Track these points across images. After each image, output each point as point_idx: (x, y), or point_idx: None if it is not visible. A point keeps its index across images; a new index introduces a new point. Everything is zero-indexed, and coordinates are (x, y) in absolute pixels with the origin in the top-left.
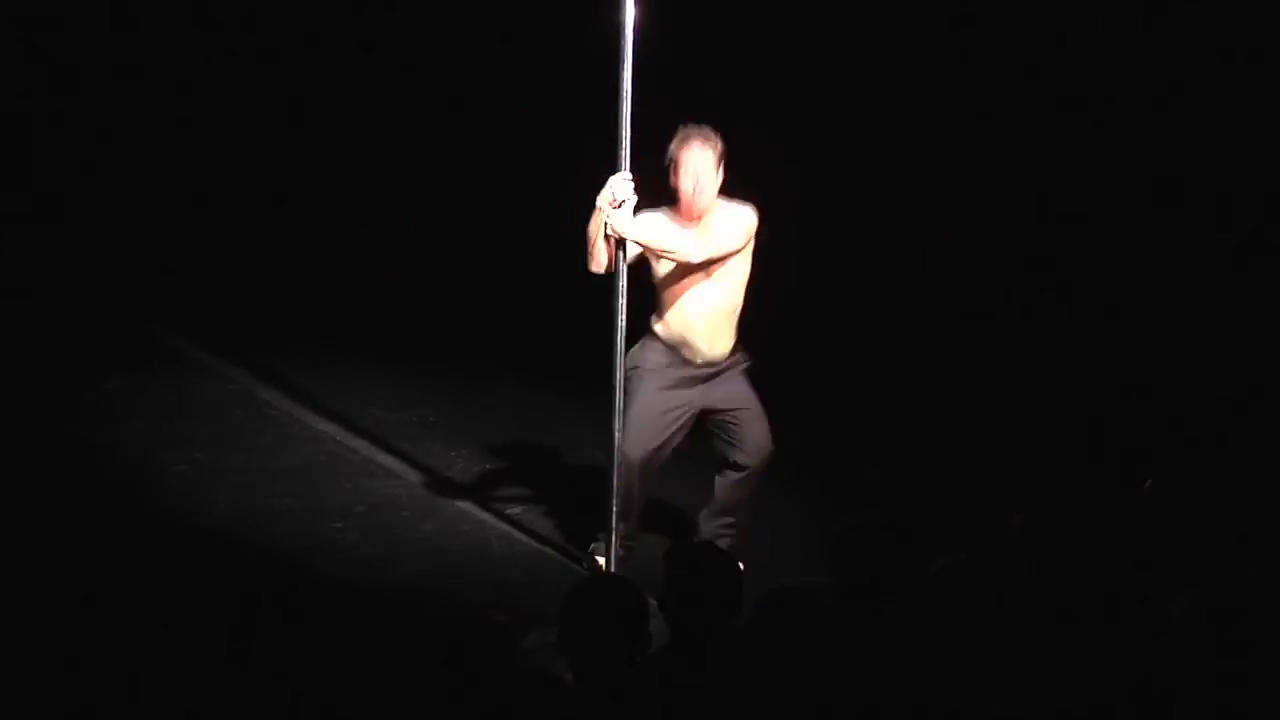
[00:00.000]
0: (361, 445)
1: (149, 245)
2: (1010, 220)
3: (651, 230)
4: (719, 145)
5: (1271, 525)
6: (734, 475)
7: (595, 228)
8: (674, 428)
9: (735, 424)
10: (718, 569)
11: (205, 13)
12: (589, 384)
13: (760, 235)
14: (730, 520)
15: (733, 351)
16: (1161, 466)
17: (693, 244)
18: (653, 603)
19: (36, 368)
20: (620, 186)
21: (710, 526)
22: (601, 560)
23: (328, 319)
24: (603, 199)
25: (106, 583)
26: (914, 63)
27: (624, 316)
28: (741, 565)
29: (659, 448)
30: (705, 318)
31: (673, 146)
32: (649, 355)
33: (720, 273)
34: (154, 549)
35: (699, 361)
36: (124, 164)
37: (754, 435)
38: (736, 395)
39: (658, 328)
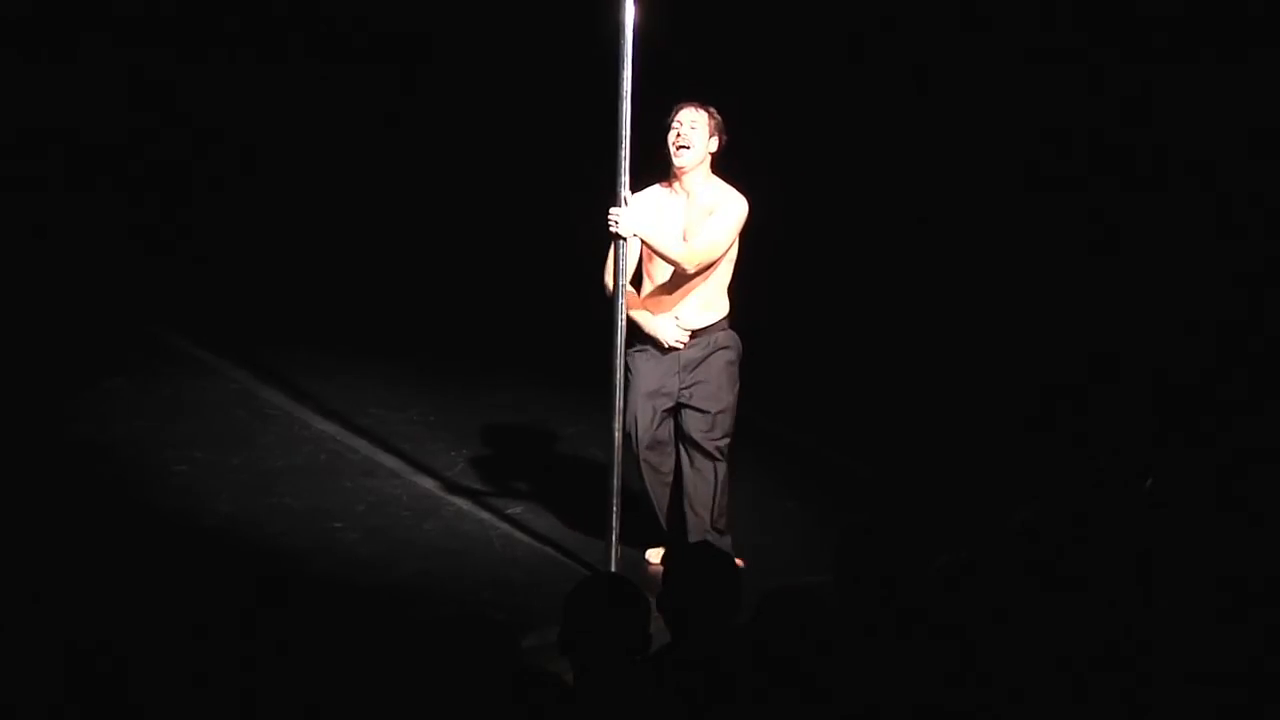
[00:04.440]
0: (362, 445)
1: (150, 245)
2: (1010, 218)
3: (654, 232)
4: (715, 116)
5: (1271, 524)
6: (692, 469)
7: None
8: (661, 414)
9: (692, 414)
10: (717, 569)
11: (206, 13)
12: (589, 384)
13: (749, 222)
14: (709, 514)
15: (718, 324)
16: (1162, 466)
17: (686, 254)
18: (653, 602)
19: (36, 368)
20: (622, 217)
21: (691, 520)
22: (655, 559)
23: (328, 319)
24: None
25: (107, 582)
26: (913, 63)
27: (624, 316)
28: (740, 562)
29: (657, 439)
30: (683, 292)
31: (669, 117)
32: (635, 342)
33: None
34: (155, 548)
35: (686, 327)
36: (124, 163)
37: (708, 429)
38: (708, 391)
39: (643, 306)
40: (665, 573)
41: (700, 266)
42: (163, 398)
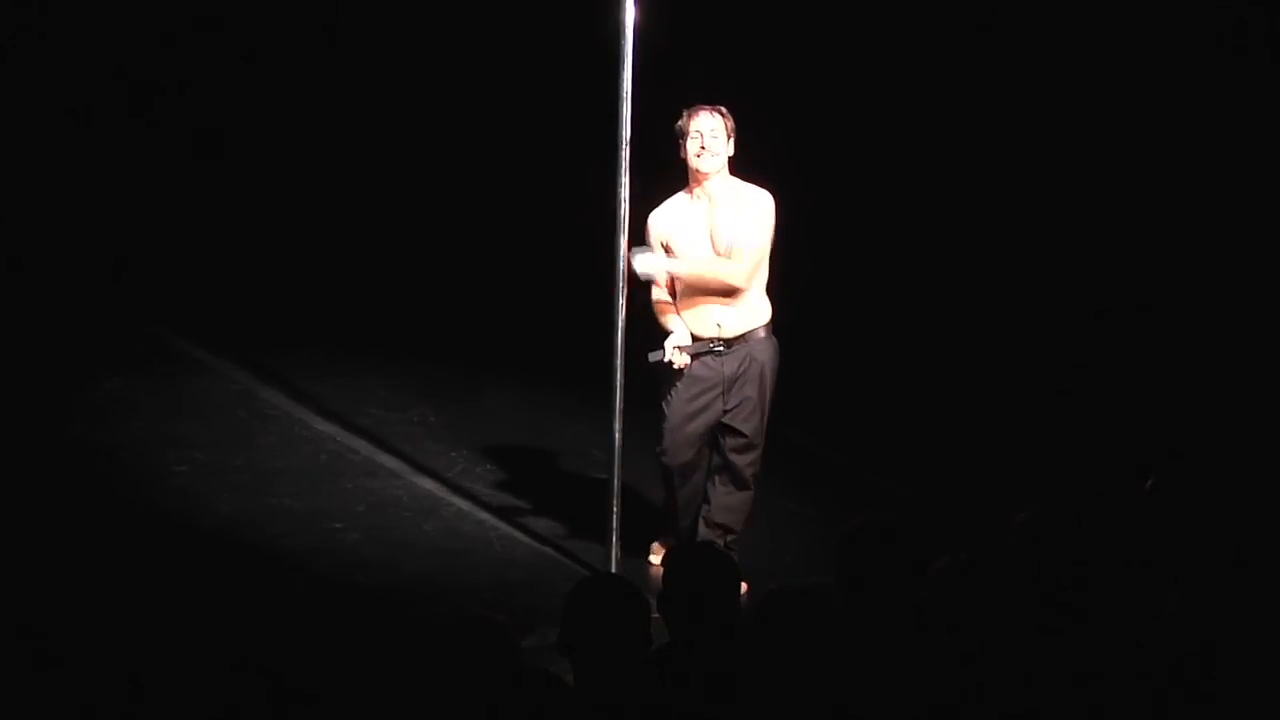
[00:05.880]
0: (362, 445)
1: (150, 245)
2: (1013, 218)
3: (685, 264)
4: (729, 118)
5: (1270, 526)
6: (723, 488)
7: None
8: (702, 437)
9: (732, 436)
10: (718, 569)
11: (205, 12)
12: (589, 383)
13: (778, 213)
14: (725, 530)
15: (758, 329)
16: (1161, 467)
17: (735, 269)
18: (653, 602)
19: (37, 368)
20: (646, 262)
21: (704, 531)
22: (656, 559)
23: (328, 319)
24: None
25: (107, 583)
26: (915, 62)
27: (624, 316)
28: (744, 586)
29: (694, 456)
30: (719, 297)
31: (680, 122)
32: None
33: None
34: (155, 549)
35: (727, 337)
36: (124, 164)
37: (743, 451)
38: (749, 412)
39: (684, 316)
40: (665, 573)
41: (751, 275)
42: (163, 398)
